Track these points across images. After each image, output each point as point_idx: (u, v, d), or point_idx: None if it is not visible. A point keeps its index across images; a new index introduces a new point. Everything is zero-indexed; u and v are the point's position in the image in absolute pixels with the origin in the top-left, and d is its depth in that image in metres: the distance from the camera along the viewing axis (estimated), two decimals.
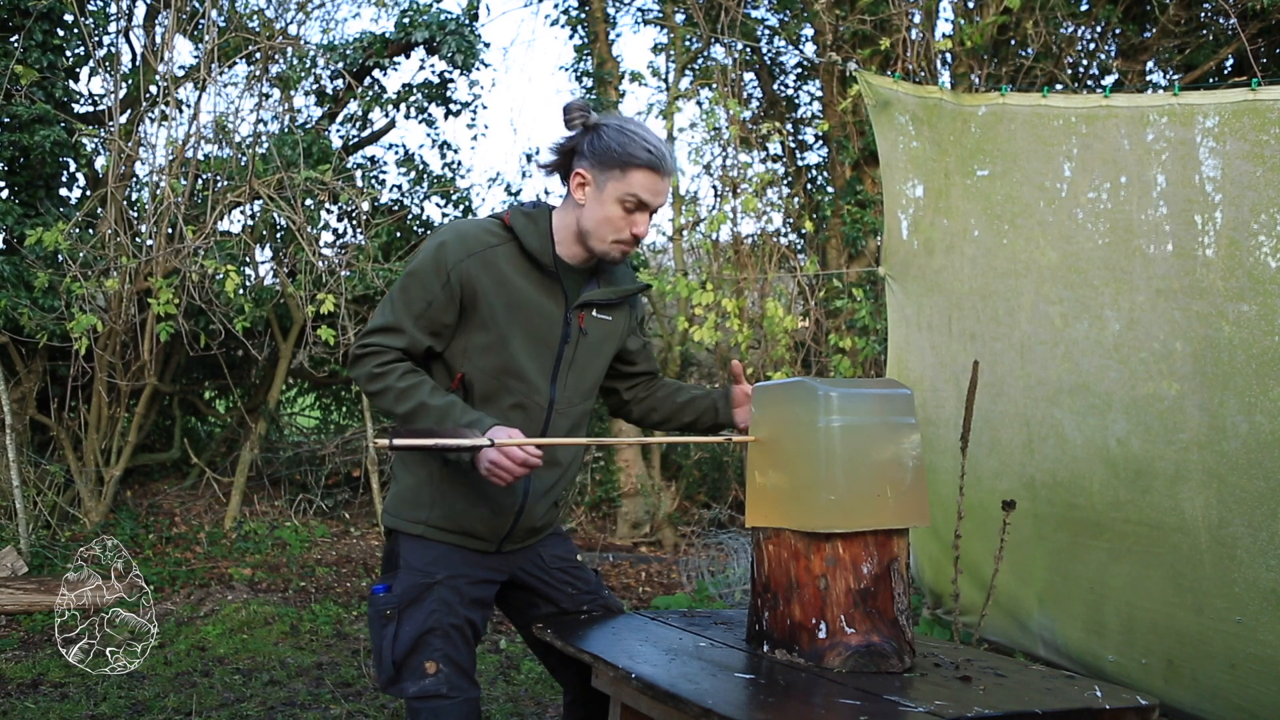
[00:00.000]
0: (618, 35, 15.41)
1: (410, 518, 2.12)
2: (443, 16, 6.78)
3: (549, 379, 2.11)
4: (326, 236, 7.01)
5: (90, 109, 6.48)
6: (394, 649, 2.04)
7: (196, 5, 5.82)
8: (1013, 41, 6.56)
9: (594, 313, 2.15)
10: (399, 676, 2.05)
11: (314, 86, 7.25)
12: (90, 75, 6.39)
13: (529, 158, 12.72)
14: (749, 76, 7.53)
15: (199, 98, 5.74)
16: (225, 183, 5.74)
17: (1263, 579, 2.70)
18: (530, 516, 2.16)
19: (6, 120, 5.63)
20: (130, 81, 6.05)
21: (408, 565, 2.10)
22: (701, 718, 1.56)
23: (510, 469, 1.92)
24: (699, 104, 7.03)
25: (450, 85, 7.41)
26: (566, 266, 2.12)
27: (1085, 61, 7.12)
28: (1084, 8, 6.64)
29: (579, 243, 2.09)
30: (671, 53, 7.43)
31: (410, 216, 7.40)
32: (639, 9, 8.00)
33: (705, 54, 7.32)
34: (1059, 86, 6.42)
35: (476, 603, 2.14)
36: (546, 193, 8.66)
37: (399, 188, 7.50)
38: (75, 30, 5.92)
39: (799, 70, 7.98)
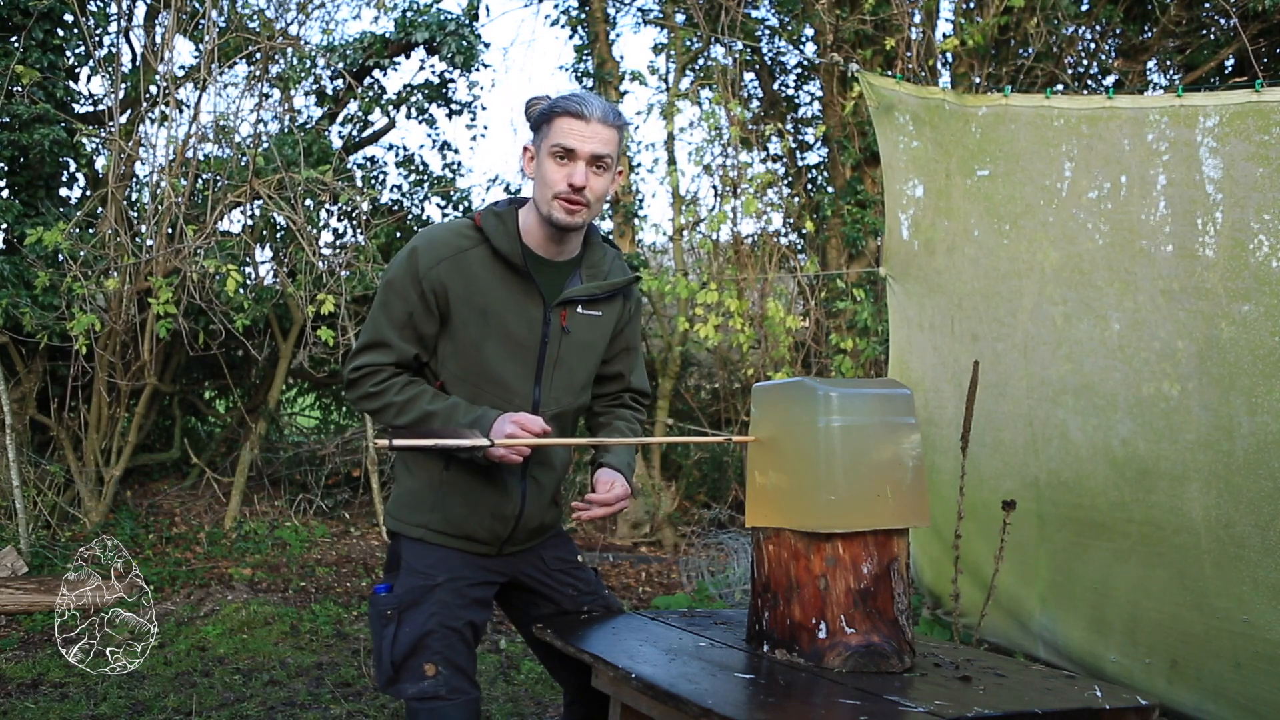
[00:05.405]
0: (618, 35, 15.40)
1: (411, 521, 2.12)
2: (443, 17, 6.77)
3: (532, 380, 2.07)
4: (326, 236, 7.01)
5: (90, 109, 6.48)
6: (393, 650, 2.04)
7: (196, 5, 5.81)
8: (1013, 41, 6.55)
9: (579, 309, 2.09)
10: (398, 677, 2.05)
11: (314, 87, 7.24)
12: (90, 75, 6.38)
13: None
14: (749, 76, 7.52)
15: (199, 98, 5.74)
16: (225, 183, 5.73)
17: (1269, 578, 2.70)
18: (530, 519, 2.15)
19: (7, 120, 5.63)
20: (130, 82, 6.04)
21: (409, 567, 2.10)
22: (701, 718, 1.55)
23: (520, 452, 1.94)
24: (699, 104, 7.02)
25: (450, 85, 7.40)
26: (542, 262, 2.05)
27: (1086, 61, 7.11)
28: (1085, 8, 6.63)
29: (542, 225, 2.03)
30: (671, 53, 7.42)
31: (410, 217, 7.39)
32: (639, 9, 8.00)
33: (705, 54, 7.31)
34: (1060, 87, 6.42)
35: (477, 603, 2.14)
36: None
37: (399, 188, 7.50)
38: (75, 30, 5.91)
39: (799, 70, 7.97)
